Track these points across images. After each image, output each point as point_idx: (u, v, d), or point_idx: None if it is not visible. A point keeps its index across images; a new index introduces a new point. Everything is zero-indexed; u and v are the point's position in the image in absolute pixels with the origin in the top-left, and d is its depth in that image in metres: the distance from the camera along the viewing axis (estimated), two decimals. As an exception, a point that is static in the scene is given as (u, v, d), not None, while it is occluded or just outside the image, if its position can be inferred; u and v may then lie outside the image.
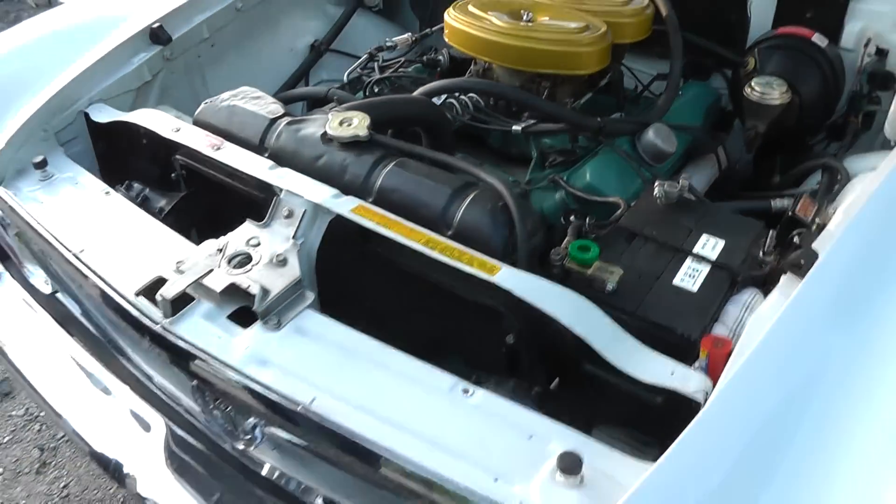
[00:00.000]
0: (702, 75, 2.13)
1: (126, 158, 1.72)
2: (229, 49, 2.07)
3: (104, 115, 1.70)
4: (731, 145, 1.86)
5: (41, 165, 1.57)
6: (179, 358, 1.20)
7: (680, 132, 1.76)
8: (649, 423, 1.12)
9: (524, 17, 1.79)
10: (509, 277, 1.15)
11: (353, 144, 1.42)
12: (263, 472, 1.31)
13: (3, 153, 1.59)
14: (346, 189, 1.34)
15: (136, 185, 1.65)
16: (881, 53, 1.95)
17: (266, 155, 1.49)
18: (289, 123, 1.50)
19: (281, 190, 1.32)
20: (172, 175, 1.61)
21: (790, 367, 1.01)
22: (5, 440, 2.37)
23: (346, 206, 1.28)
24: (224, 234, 1.30)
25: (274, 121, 1.51)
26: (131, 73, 1.81)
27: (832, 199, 1.47)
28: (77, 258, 1.34)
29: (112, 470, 1.52)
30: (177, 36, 1.89)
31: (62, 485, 2.22)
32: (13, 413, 2.43)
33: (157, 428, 1.47)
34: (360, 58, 2.10)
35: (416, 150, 1.49)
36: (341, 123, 1.41)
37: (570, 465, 0.92)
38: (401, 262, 1.29)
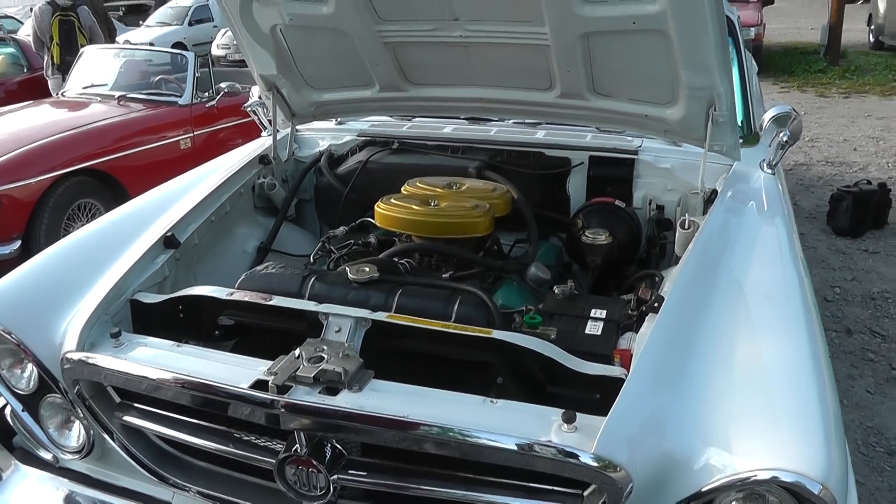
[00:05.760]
0: (545, 238, 3.03)
1: (164, 330, 2.13)
2: (207, 252, 2.65)
3: (151, 299, 2.18)
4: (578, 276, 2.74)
5: (116, 335, 2.00)
6: (295, 415, 1.70)
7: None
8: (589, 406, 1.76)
9: (432, 204, 2.60)
10: (501, 334, 1.85)
11: (370, 283, 2.11)
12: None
13: (80, 334, 2.00)
14: (372, 310, 1.98)
15: (188, 343, 2.15)
16: (659, 208, 2.88)
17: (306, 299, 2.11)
18: (316, 278, 2.17)
19: (327, 315, 1.95)
20: (216, 332, 2.18)
21: (664, 351, 1.79)
22: None
23: (381, 316, 1.92)
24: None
25: (305, 277, 2.17)
26: (156, 271, 2.32)
27: (658, 286, 2.32)
28: (187, 377, 1.81)
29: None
30: (183, 240, 2.46)
31: None
32: None
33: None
34: (293, 254, 2.85)
35: (412, 280, 2.20)
36: (358, 272, 2.12)
37: (569, 417, 1.61)
38: (415, 347, 1.95)
